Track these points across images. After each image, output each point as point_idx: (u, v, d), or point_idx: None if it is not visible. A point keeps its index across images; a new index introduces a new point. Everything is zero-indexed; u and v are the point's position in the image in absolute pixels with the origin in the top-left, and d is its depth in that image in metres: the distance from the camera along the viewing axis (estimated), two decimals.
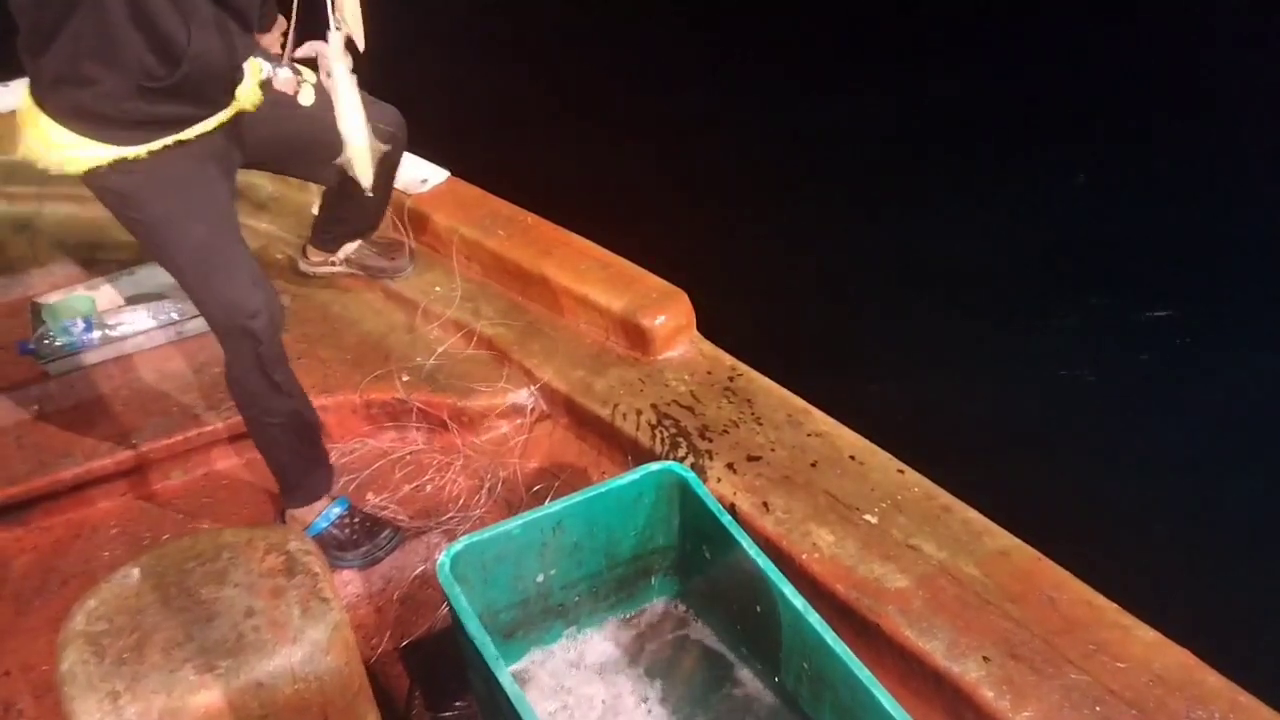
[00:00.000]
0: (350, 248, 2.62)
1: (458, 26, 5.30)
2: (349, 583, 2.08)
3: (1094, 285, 3.86)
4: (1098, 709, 1.52)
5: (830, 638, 1.52)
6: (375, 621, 2.03)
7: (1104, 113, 4.79)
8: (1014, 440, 3.14)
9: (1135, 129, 4.69)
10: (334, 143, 2.02)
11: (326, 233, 2.61)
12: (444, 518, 2.22)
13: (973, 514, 1.86)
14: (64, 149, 1.72)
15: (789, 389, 2.21)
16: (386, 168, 2.34)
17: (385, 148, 1.80)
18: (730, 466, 2.02)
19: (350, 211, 2.48)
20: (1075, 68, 5.13)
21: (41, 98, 1.73)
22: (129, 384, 2.43)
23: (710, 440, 2.08)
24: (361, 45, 1.68)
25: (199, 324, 2.55)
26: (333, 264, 2.66)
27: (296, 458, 2.06)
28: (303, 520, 2.10)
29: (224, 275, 1.82)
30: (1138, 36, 5.29)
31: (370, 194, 1.86)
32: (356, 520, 2.12)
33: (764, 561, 1.63)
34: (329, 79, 1.66)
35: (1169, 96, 4.86)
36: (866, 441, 2.05)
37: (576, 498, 1.76)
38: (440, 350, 2.47)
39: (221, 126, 1.85)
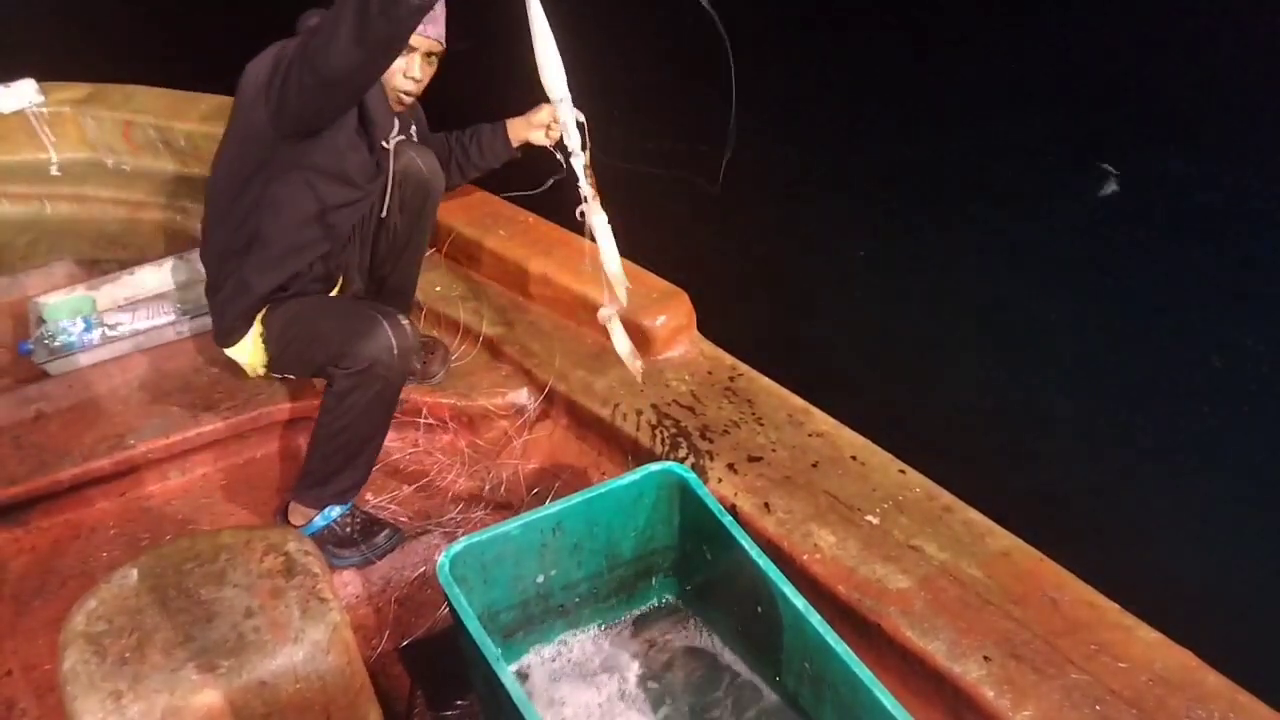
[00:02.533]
0: None
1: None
2: (348, 583, 2.08)
3: (1099, 288, 3.86)
4: (1097, 708, 1.52)
5: (831, 638, 1.51)
6: (375, 621, 2.03)
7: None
8: (1014, 440, 3.13)
9: None
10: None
11: None
12: (444, 518, 2.22)
13: (974, 514, 1.86)
14: (253, 356, 2.14)
15: (789, 389, 2.21)
16: (419, 230, 2.30)
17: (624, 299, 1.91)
18: (731, 467, 2.02)
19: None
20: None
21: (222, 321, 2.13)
22: (128, 384, 2.43)
23: (711, 440, 2.08)
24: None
25: (197, 324, 2.55)
26: None
27: (347, 461, 2.04)
28: (304, 516, 2.09)
29: (358, 333, 1.92)
30: None
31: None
32: (357, 519, 2.12)
33: (765, 562, 1.63)
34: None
35: None
36: (867, 441, 2.05)
37: (576, 498, 1.76)
38: None
39: None
